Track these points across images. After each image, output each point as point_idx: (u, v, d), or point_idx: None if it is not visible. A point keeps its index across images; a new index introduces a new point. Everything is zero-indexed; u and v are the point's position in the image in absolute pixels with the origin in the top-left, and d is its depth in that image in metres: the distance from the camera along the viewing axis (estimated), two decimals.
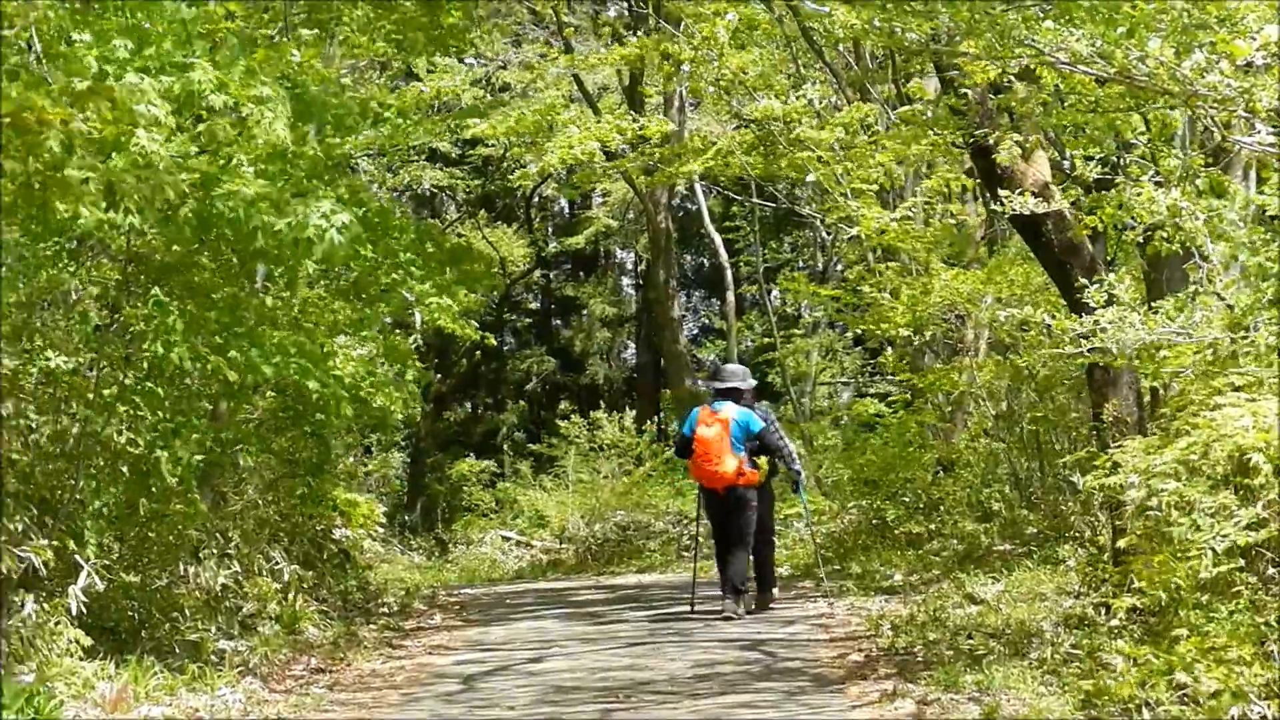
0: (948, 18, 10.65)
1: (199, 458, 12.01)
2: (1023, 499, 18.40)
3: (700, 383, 28.99)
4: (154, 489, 12.04)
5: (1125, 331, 10.13)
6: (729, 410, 15.70)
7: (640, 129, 22.00)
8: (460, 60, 29.14)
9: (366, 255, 13.02)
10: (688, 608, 16.32)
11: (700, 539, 17.37)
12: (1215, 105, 9.81)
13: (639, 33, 24.91)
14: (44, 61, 8.84)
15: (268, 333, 12.38)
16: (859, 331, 25.85)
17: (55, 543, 10.08)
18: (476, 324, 18.79)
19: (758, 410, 16.11)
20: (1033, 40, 10.03)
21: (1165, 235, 10.79)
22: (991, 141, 13.52)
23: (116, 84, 8.65)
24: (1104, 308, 10.61)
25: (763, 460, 15.81)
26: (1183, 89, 9.55)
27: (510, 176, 30.99)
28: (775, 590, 16.57)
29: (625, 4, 30.75)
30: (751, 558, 16.05)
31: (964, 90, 13.84)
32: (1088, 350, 10.79)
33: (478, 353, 38.55)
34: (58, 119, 7.96)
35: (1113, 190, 11.42)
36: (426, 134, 28.29)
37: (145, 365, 11.71)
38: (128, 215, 9.48)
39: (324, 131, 10.92)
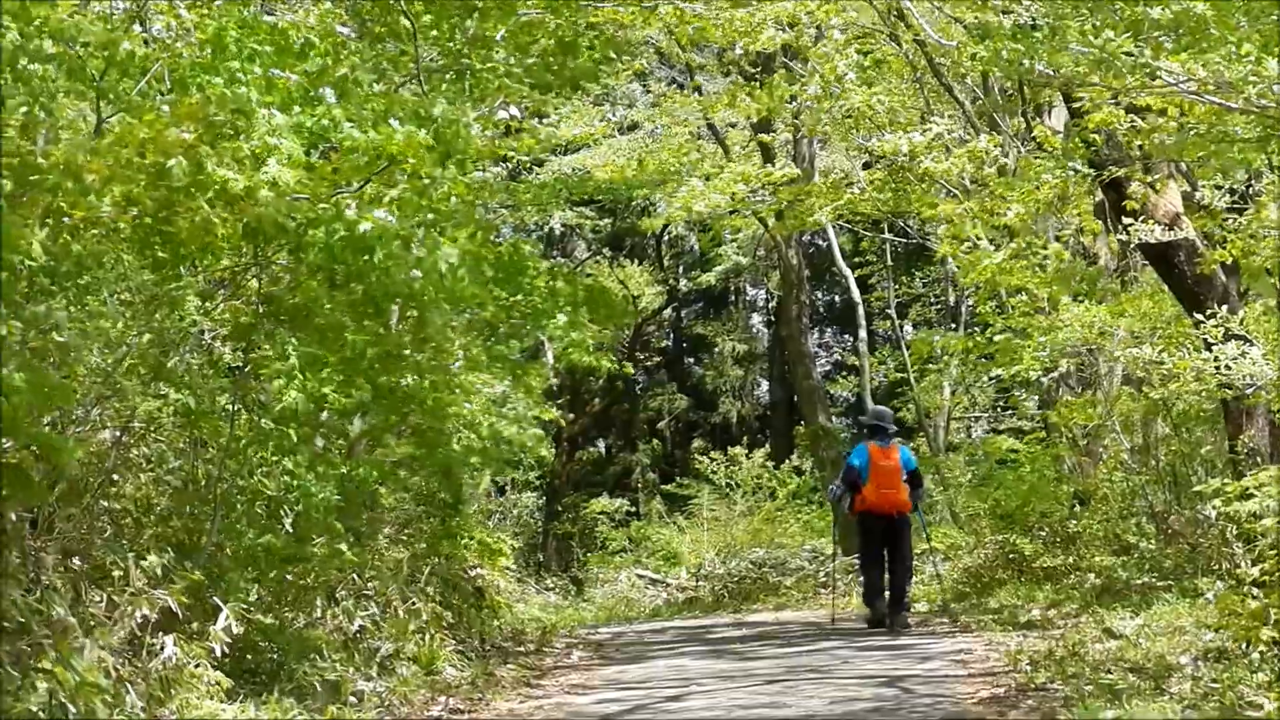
0: (1077, 46, 10.58)
1: (336, 497, 12.15)
2: (1160, 532, 18.20)
3: (856, 421, 29.04)
4: (292, 531, 12.18)
5: (1247, 367, 10.02)
6: (896, 447, 18.17)
7: (767, 175, 22.03)
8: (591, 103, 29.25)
9: (499, 296, 13.08)
10: (826, 643, 16.72)
11: (836, 575, 17.88)
12: None
13: (764, 72, 24.91)
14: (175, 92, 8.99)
15: (398, 374, 12.46)
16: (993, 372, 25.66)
17: (192, 583, 10.17)
18: (613, 358, 18.88)
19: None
20: (1162, 69, 9.96)
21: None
22: (1122, 175, 13.45)
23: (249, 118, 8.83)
24: (1222, 343, 10.49)
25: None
26: None
27: (640, 220, 31.11)
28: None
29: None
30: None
31: (1092, 130, 13.75)
32: (1215, 386, 10.69)
33: (616, 386, 38.69)
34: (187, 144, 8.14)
35: (1242, 219, 11.31)
36: (558, 188, 28.44)
37: (278, 408, 11.83)
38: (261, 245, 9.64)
39: (461, 166, 10.97)
